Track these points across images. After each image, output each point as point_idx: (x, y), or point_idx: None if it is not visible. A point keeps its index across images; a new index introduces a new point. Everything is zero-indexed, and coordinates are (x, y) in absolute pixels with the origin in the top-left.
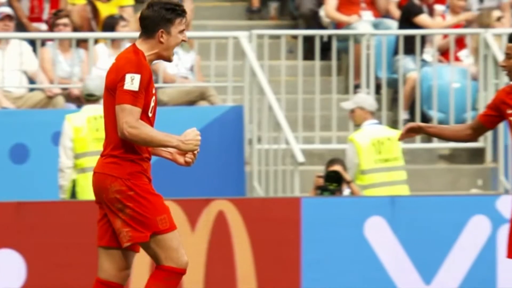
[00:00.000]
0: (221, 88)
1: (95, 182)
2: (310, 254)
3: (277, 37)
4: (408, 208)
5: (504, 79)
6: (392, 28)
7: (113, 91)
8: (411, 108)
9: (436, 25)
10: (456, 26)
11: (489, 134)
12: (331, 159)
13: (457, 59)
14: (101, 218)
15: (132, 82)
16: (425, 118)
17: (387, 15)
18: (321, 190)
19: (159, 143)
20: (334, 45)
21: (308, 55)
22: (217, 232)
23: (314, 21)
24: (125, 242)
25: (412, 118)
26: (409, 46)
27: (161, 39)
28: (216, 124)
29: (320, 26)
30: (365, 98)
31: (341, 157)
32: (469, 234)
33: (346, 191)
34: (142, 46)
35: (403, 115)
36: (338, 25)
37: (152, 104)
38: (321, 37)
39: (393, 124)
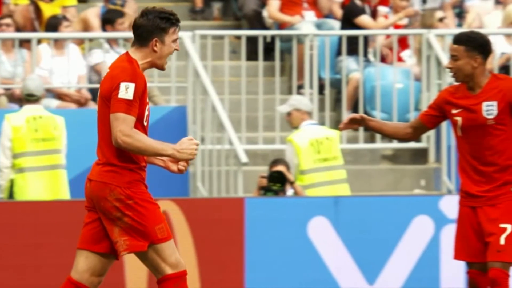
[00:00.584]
0: (164, 89)
1: (92, 189)
2: (254, 255)
3: (221, 37)
4: (351, 208)
5: (447, 80)
6: (335, 28)
7: (108, 100)
8: (354, 109)
9: (377, 26)
10: (398, 26)
11: (432, 134)
12: (275, 160)
13: (400, 59)
14: (90, 222)
15: (126, 91)
16: None
17: (330, 15)
18: (265, 190)
19: (153, 151)
20: (278, 45)
21: (252, 55)
22: None
23: (257, 21)
24: (122, 251)
25: None
26: (352, 46)
27: (155, 48)
28: (159, 124)
29: (264, 26)
30: (300, 99)
31: (284, 157)
32: (412, 234)
33: (289, 191)
34: (135, 54)
35: (346, 115)
36: (281, 25)
37: (147, 112)
38: (264, 37)
39: (337, 124)
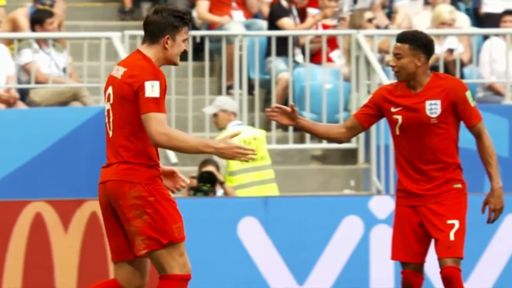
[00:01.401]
0: (94, 89)
1: (109, 189)
2: None
3: None
4: (281, 208)
5: (376, 80)
6: (264, 28)
7: (127, 100)
8: None
9: (298, 28)
10: (327, 26)
11: (361, 134)
12: (204, 160)
13: (329, 60)
14: (113, 232)
15: (152, 89)
16: None
17: (259, 14)
18: (195, 191)
19: (194, 149)
20: (207, 46)
21: (181, 56)
22: (90, 233)
23: None
24: (140, 250)
25: None
26: (281, 47)
27: (166, 45)
28: (89, 124)
29: (193, 27)
30: (226, 100)
31: (213, 158)
32: (342, 235)
33: (219, 191)
34: (147, 52)
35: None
36: (210, 26)
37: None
38: (194, 38)
39: (266, 124)
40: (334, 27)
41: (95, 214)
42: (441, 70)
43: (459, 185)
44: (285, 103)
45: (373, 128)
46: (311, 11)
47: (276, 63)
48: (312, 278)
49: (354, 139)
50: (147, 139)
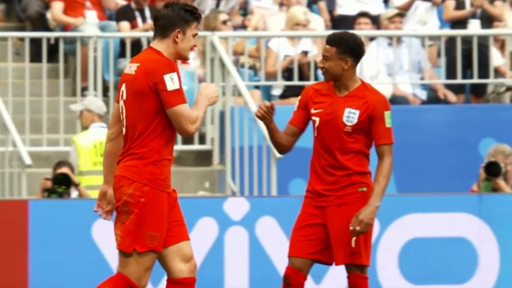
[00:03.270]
0: None
1: (114, 183)
2: (38, 257)
3: (4, 39)
4: None
5: (231, 82)
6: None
7: (141, 94)
8: None
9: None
10: None
11: (216, 136)
12: (59, 162)
13: (184, 62)
14: None
15: (172, 81)
16: None
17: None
18: (49, 192)
19: (203, 113)
20: (61, 47)
21: (35, 57)
22: None
23: (41, 23)
24: (116, 244)
25: None
26: (135, 49)
27: (176, 39)
28: None
29: (47, 28)
30: (94, 101)
31: (68, 159)
32: (197, 236)
33: (74, 193)
34: (158, 46)
35: None
36: (65, 27)
37: None
38: (48, 39)
39: None
40: None
41: None
42: (296, 72)
43: (364, 188)
44: None
45: (227, 130)
46: None
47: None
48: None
49: (209, 140)
50: (159, 135)
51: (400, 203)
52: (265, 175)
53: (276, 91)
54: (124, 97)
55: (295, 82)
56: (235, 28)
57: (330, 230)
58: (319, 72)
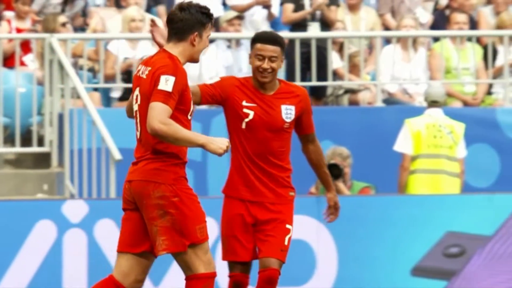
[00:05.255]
0: None
1: (134, 189)
2: None
3: None
4: None
5: (70, 84)
6: None
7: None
8: None
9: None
10: (21, 30)
11: (55, 138)
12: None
13: (22, 63)
14: (127, 223)
15: (166, 83)
16: None
17: None
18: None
19: (187, 140)
20: None
21: None
22: None
23: None
24: (160, 251)
25: None
26: None
27: (194, 42)
28: None
29: None
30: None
31: None
32: (35, 239)
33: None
34: (173, 50)
35: None
36: None
37: (192, 108)
38: None
39: None
40: (28, 30)
41: None
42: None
43: (293, 193)
44: None
45: (66, 132)
46: (7, 14)
47: None
48: (5, 282)
49: (47, 143)
50: None
51: None
52: (104, 177)
53: (115, 94)
54: (139, 102)
55: None
56: (76, 30)
57: (260, 225)
58: None
